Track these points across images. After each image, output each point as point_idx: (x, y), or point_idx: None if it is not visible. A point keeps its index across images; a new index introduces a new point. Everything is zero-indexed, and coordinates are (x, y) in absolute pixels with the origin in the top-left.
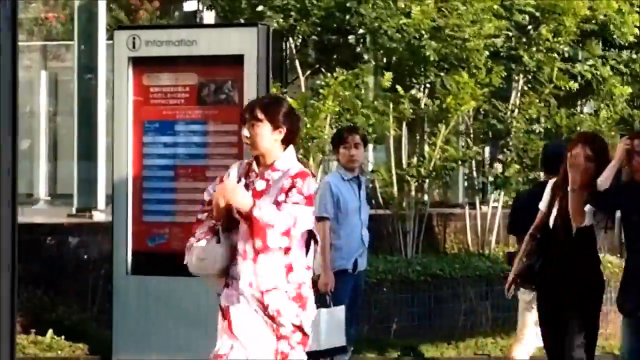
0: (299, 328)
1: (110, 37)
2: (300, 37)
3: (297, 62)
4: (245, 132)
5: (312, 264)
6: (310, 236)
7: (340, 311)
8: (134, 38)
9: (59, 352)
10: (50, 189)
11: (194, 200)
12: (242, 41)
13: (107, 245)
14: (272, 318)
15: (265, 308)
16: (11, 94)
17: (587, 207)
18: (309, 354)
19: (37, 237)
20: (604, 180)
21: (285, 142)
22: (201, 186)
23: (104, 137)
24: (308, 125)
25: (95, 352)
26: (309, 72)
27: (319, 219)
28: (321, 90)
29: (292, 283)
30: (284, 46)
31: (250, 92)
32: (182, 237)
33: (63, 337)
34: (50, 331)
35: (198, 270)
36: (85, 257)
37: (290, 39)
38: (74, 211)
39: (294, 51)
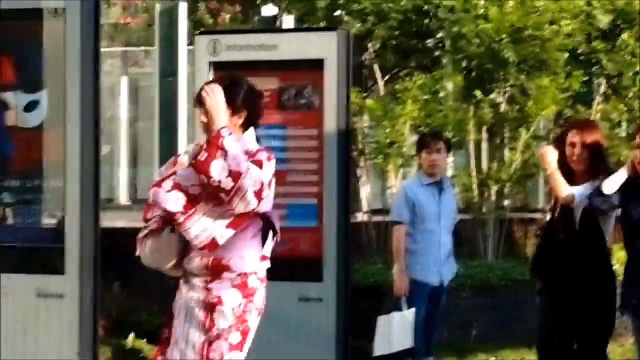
0: (239, 324)
1: (191, 42)
2: (379, 41)
3: (376, 67)
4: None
5: (268, 254)
6: (268, 225)
7: (410, 314)
8: (214, 43)
9: (140, 355)
10: (131, 195)
11: (274, 205)
12: (322, 46)
13: None
14: (211, 307)
15: (207, 293)
16: (94, 100)
17: (579, 188)
18: (380, 357)
19: (119, 241)
20: (610, 186)
21: (245, 126)
22: (281, 191)
23: (184, 142)
24: (387, 130)
25: None
26: (388, 76)
27: (394, 223)
28: (400, 95)
29: (238, 271)
30: (363, 51)
31: (330, 96)
32: None
33: (145, 340)
34: (132, 334)
35: (152, 264)
36: None
37: (369, 43)
38: None
39: (373, 56)
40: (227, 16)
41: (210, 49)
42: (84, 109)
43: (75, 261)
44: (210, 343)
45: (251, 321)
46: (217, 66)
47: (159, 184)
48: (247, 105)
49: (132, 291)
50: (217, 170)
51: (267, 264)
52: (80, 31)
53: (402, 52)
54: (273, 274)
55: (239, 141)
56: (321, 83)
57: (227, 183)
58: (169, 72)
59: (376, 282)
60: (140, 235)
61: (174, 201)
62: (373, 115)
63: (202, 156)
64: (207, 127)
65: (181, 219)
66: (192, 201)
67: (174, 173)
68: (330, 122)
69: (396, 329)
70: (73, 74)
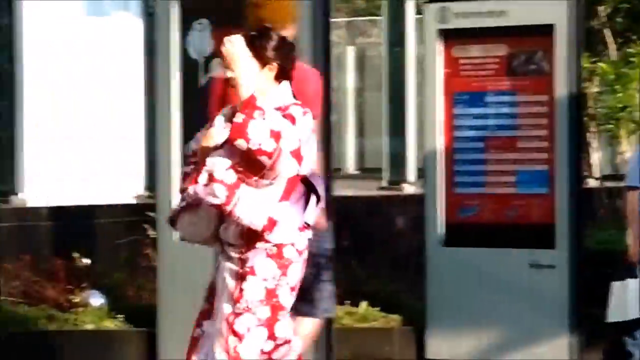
0: (270, 298)
1: (419, 11)
2: (610, 5)
3: (606, 31)
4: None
5: (311, 223)
6: (310, 190)
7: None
8: (443, 10)
9: (373, 322)
10: (358, 164)
11: (505, 172)
12: (553, 11)
13: (418, 217)
14: (242, 277)
15: (241, 263)
16: (324, 71)
17: None
18: (612, 325)
19: (349, 210)
20: None
21: (279, 79)
22: (511, 157)
23: (413, 111)
24: (619, 94)
25: (409, 323)
26: (619, 41)
27: (630, 188)
28: (633, 59)
29: (273, 241)
30: (593, 15)
31: (561, 62)
32: (492, 209)
33: (378, 308)
34: (364, 302)
35: (189, 237)
36: (397, 229)
37: (600, 7)
38: (384, 184)
39: (604, 20)
40: None
41: (439, 16)
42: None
43: None
44: (237, 315)
45: (283, 298)
46: (446, 34)
47: (195, 180)
48: (278, 57)
49: (363, 260)
50: (257, 132)
51: (309, 234)
52: (312, 4)
53: (633, 16)
54: (503, 240)
55: (272, 95)
56: (551, 49)
57: (270, 145)
58: (396, 41)
59: (609, 249)
60: (177, 208)
61: (213, 194)
62: (605, 80)
63: (239, 118)
64: (233, 83)
65: (229, 208)
66: (230, 186)
67: (204, 163)
68: (561, 87)
69: (631, 295)
70: (305, 45)
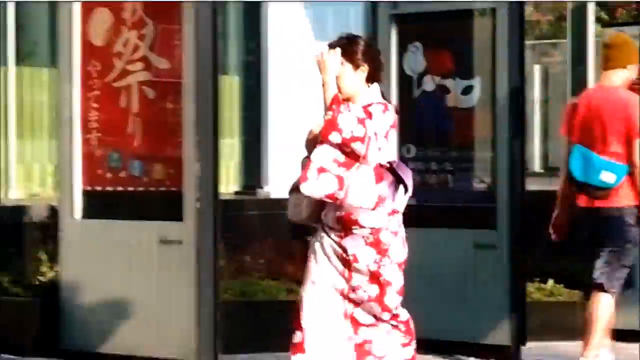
0: (376, 277)
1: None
2: None
3: None
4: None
5: (400, 209)
6: (398, 180)
7: None
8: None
9: (559, 297)
10: (543, 163)
11: None
12: None
13: None
14: (348, 263)
15: (343, 250)
16: (519, 86)
17: None
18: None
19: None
20: None
21: (369, 81)
22: None
23: None
24: None
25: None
26: None
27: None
28: None
29: (367, 226)
30: None
31: None
32: None
33: (562, 284)
34: (551, 280)
35: (292, 216)
36: None
37: None
38: None
39: None
40: (624, 11)
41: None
42: (511, 94)
43: (505, 218)
44: (351, 289)
45: (389, 274)
46: None
47: (304, 177)
48: (367, 60)
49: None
50: (347, 122)
51: (399, 217)
52: (507, 27)
53: None
54: None
55: (364, 95)
56: None
57: (360, 130)
58: (578, 61)
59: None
60: (288, 191)
61: (325, 185)
62: None
63: (328, 115)
64: (324, 89)
65: (340, 196)
66: (339, 176)
67: (309, 159)
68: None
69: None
70: (502, 64)
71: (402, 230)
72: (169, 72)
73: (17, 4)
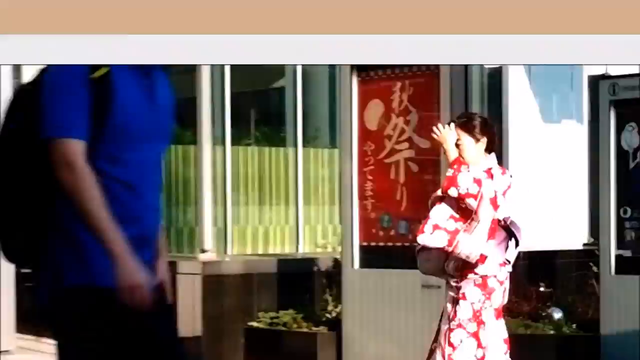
0: (476, 316)
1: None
2: None
3: None
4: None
5: (511, 261)
6: (510, 234)
7: None
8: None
9: None
10: None
11: None
12: None
13: None
14: (456, 301)
15: (456, 291)
16: None
17: None
18: None
19: None
20: None
21: (487, 150)
22: None
23: None
24: None
25: None
26: None
27: None
28: None
29: (480, 273)
30: None
31: None
32: None
33: None
34: None
35: (425, 271)
36: None
37: None
38: None
39: None
40: None
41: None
42: None
43: None
44: (451, 329)
45: (486, 316)
46: None
47: (421, 230)
48: (484, 133)
49: None
50: (464, 180)
51: (509, 268)
52: None
53: None
54: None
55: (482, 163)
56: None
57: (474, 188)
58: None
59: None
60: (417, 249)
61: (439, 239)
62: None
63: (449, 172)
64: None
65: (450, 249)
66: (451, 232)
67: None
68: None
69: None
70: None
71: (507, 282)
72: (429, 151)
73: (303, 94)
